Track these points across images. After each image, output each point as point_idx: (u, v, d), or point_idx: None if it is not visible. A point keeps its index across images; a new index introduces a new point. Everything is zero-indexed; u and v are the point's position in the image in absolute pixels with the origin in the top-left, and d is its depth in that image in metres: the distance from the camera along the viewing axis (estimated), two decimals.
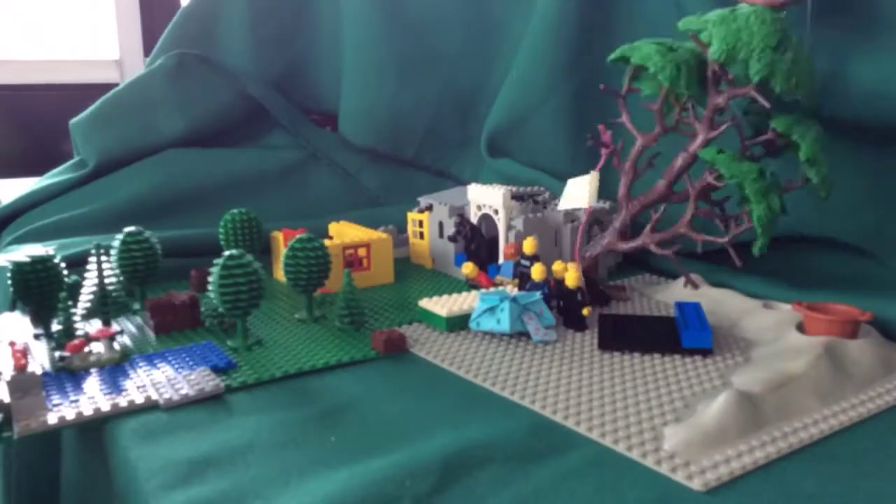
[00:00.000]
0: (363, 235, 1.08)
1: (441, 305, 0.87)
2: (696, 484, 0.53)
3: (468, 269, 0.99)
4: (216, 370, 0.73)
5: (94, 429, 0.65)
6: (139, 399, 0.66)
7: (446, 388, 0.71)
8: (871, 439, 0.60)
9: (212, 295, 0.78)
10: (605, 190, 0.98)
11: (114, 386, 0.69)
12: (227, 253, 0.78)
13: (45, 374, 0.72)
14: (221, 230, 1.07)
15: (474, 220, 1.09)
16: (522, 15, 1.36)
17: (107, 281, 0.87)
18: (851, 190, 0.93)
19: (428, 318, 0.88)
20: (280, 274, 1.01)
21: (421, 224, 1.17)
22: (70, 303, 0.81)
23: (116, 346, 0.76)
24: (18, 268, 0.86)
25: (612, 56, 0.94)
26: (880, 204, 0.96)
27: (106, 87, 1.56)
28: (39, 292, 0.87)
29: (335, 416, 0.64)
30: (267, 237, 1.12)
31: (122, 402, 0.65)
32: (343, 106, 1.58)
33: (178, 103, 1.49)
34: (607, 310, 0.92)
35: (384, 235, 1.07)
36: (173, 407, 0.66)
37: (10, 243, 1.21)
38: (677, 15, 0.91)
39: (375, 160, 1.56)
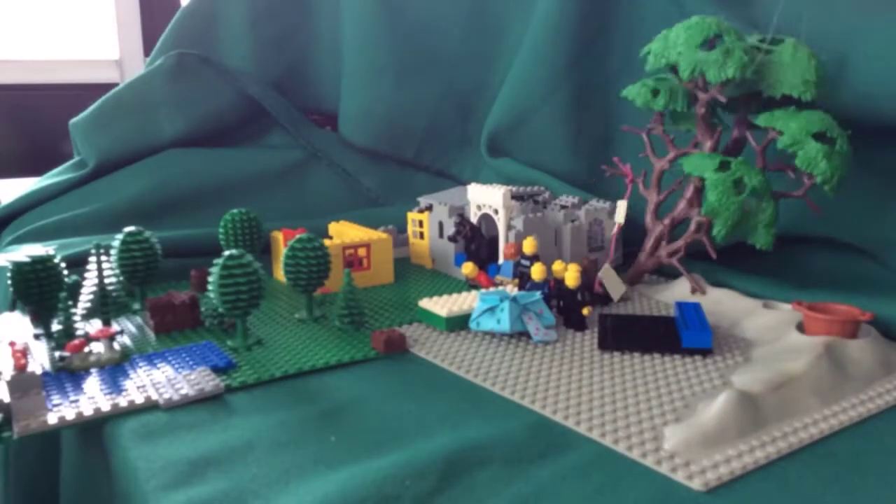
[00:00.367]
0: (363, 235, 1.08)
1: (441, 305, 0.87)
2: (696, 484, 0.53)
3: (468, 269, 0.99)
4: (216, 370, 0.73)
5: (94, 429, 0.65)
6: (139, 399, 0.66)
7: (446, 388, 0.71)
8: (871, 439, 0.60)
9: (212, 295, 0.78)
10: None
11: (114, 386, 0.69)
12: (227, 253, 0.78)
13: (44, 374, 0.72)
14: (221, 230, 1.07)
15: (474, 219, 1.09)
16: (522, 15, 1.36)
17: (107, 281, 0.87)
18: (852, 190, 0.93)
19: (428, 318, 0.88)
20: (280, 274, 1.01)
21: (421, 224, 1.17)
22: (70, 303, 0.81)
23: (116, 346, 0.76)
24: (18, 268, 0.86)
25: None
26: (881, 204, 0.96)
27: (106, 87, 1.56)
28: (39, 292, 0.87)
29: (335, 416, 0.64)
30: (267, 237, 1.12)
31: (122, 402, 0.65)
32: (343, 106, 1.58)
33: (178, 103, 1.48)
34: (607, 310, 0.92)
35: (384, 235, 1.07)
36: (173, 407, 0.66)
37: (10, 243, 1.21)
38: (677, 15, 0.91)
39: (375, 160, 1.56)
